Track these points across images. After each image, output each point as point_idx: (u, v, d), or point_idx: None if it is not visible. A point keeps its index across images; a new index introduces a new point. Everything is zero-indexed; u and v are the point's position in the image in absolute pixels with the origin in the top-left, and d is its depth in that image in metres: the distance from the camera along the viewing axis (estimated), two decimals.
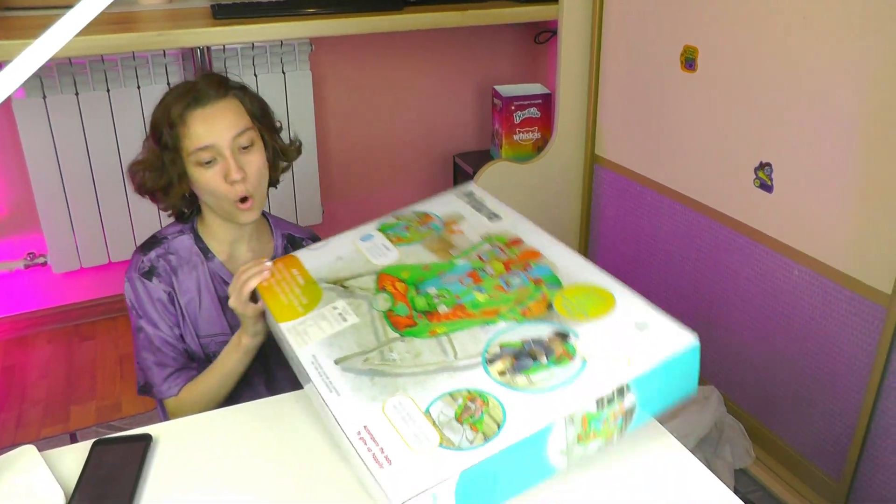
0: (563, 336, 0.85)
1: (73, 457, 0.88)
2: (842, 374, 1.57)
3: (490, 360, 0.84)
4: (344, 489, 0.84)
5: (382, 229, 1.09)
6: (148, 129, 1.19)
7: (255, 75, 2.30)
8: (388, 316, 0.93)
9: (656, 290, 2.04)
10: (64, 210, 2.19)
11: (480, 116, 2.70)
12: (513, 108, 2.41)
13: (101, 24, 1.94)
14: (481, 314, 0.91)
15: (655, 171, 1.96)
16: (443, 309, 0.92)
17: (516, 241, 1.02)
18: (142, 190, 1.22)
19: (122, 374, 2.21)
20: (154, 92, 2.15)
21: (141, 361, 1.21)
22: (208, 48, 2.15)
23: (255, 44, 2.28)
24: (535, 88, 2.48)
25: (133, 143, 2.15)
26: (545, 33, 2.57)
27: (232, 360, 1.16)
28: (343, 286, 1.00)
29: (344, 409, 0.82)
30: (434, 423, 0.78)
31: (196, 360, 1.23)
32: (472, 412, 0.78)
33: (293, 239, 1.32)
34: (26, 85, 2.06)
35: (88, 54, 2.01)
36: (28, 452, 0.87)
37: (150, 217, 2.25)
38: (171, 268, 1.21)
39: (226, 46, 2.23)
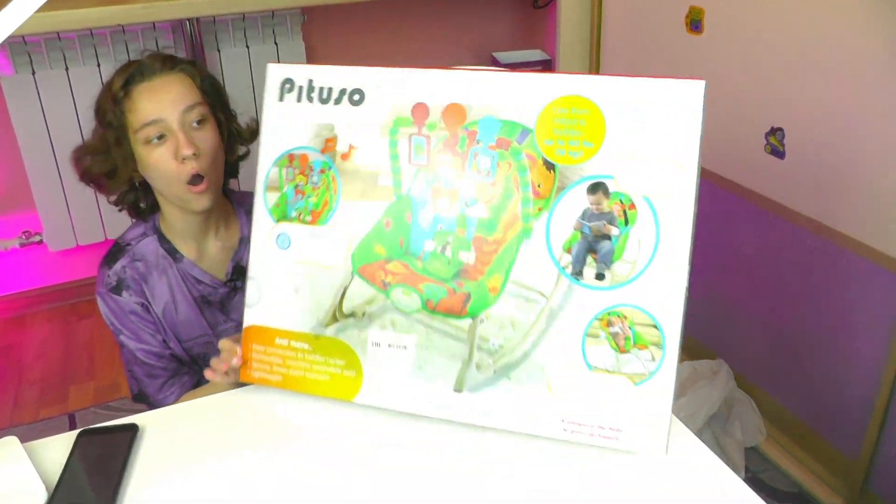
0: (600, 188, 0.79)
1: (58, 446, 0.85)
2: (859, 347, 1.51)
3: (574, 273, 0.79)
4: (335, 478, 0.81)
5: (276, 215, 0.90)
6: (94, 110, 1.11)
7: (248, 47, 2.24)
8: (435, 310, 0.84)
9: None
10: (58, 187, 2.14)
11: None
12: None
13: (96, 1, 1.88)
14: (505, 232, 0.81)
15: None
16: (467, 257, 0.83)
17: (420, 108, 0.85)
18: (86, 177, 1.13)
19: (119, 354, 2.18)
20: None
21: (132, 373, 1.16)
22: (197, 20, 2.09)
23: (247, 15, 2.21)
24: (535, 55, 2.41)
25: None
26: None
27: (219, 388, 1.03)
28: (349, 317, 0.88)
29: (525, 415, 0.81)
30: (610, 371, 0.78)
31: (185, 364, 1.17)
32: (622, 334, 0.78)
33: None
34: (15, 61, 2.01)
35: (74, 28, 1.95)
36: (10, 444, 0.84)
37: None
38: (140, 275, 1.14)
39: (216, 18, 2.17)
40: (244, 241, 1.18)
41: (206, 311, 1.17)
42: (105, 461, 0.83)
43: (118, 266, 1.12)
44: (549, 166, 0.80)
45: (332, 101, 0.88)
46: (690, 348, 1.94)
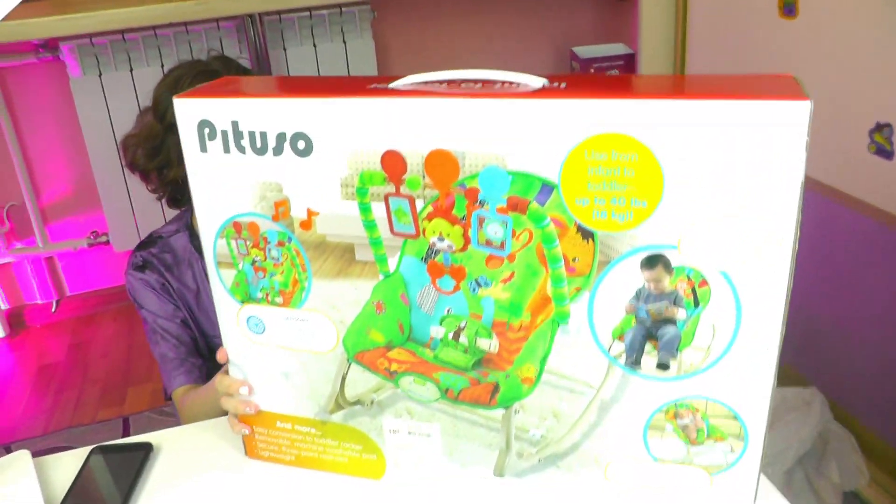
0: (659, 261, 0.60)
1: (70, 462, 0.84)
2: None
3: (630, 363, 0.64)
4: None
5: (239, 297, 0.73)
6: (151, 103, 1.08)
7: (315, 45, 2.19)
8: (457, 399, 0.70)
9: None
10: (122, 188, 2.15)
11: None
12: (592, 70, 2.17)
13: None
14: (534, 317, 0.65)
15: None
16: (488, 345, 0.67)
17: (392, 158, 0.62)
18: (133, 166, 1.13)
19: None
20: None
21: (156, 358, 1.14)
22: (261, 18, 2.05)
23: (313, 12, 2.15)
24: (617, 49, 2.24)
25: None
26: None
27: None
28: (355, 404, 0.75)
29: (579, 501, 0.70)
30: (680, 462, 0.66)
31: (202, 357, 1.14)
32: (693, 426, 0.66)
33: None
34: (83, 63, 2.03)
35: (125, 27, 1.94)
36: (20, 459, 0.84)
37: None
38: (166, 265, 1.14)
39: (282, 16, 2.12)
40: None
41: None
42: (115, 479, 0.82)
43: (146, 252, 1.15)
44: (586, 234, 0.60)
45: (269, 151, 0.65)
46: (780, 373, 1.73)
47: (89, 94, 2.06)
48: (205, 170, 0.68)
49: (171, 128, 1.02)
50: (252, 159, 0.66)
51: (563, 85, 0.60)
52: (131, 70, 2.06)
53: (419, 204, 0.64)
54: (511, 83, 0.61)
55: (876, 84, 1.33)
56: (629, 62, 2.17)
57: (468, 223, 0.62)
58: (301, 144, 0.64)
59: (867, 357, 1.53)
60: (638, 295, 0.61)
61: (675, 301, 0.61)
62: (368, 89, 0.63)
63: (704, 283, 0.59)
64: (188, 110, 0.66)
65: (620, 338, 0.63)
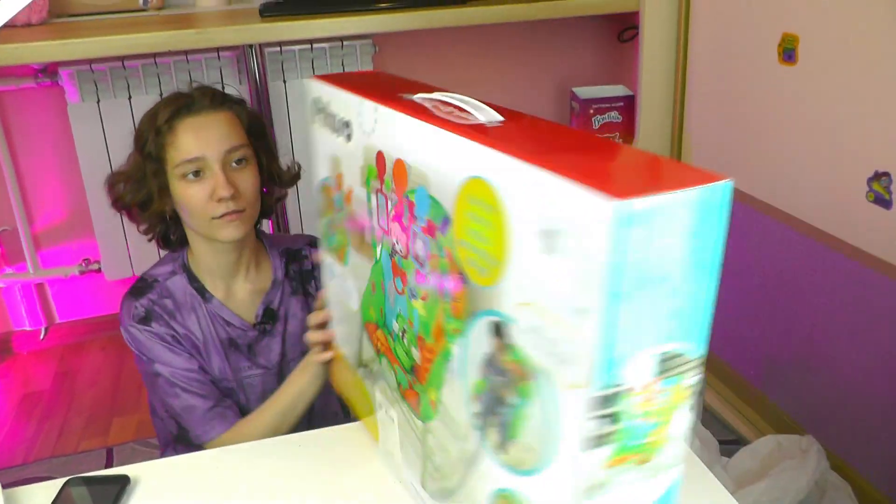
0: (501, 332, 0.52)
1: (43, 494, 0.81)
2: None
3: (480, 427, 0.58)
4: None
5: (329, 246, 0.86)
6: (134, 137, 1.09)
7: None
8: (405, 395, 0.71)
9: (747, 321, 1.76)
10: (116, 216, 2.10)
11: (559, 121, 2.48)
12: (591, 111, 2.18)
13: (153, 23, 1.88)
14: (436, 341, 0.62)
15: (748, 182, 1.68)
16: (416, 355, 0.67)
17: (380, 159, 0.67)
18: (119, 204, 1.11)
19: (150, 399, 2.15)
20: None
21: (169, 411, 1.08)
22: (261, 48, 2.05)
23: (314, 45, 2.16)
24: (617, 90, 2.25)
25: None
26: (630, 30, 2.33)
27: (300, 382, 1.03)
28: (364, 366, 0.82)
29: None
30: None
31: (226, 397, 1.11)
32: None
33: (291, 253, 1.19)
34: (82, 88, 2.03)
35: (125, 53, 1.94)
36: None
37: None
38: (168, 312, 1.09)
39: (283, 47, 2.13)
40: (276, 285, 1.15)
41: (231, 355, 1.11)
42: None
43: (145, 300, 1.09)
44: (463, 279, 0.56)
45: (335, 131, 0.75)
46: (776, 420, 1.70)
47: (87, 120, 2.05)
48: (313, 136, 0.81)
49: (149, 158, 1.04)
50: (328, 135, 0.77)
51: (498, 123, 0.57)
52: (130, 97, 2.06)
53: (389, 205, 0.67)
54: (470, 114, 0.59)
55: (875, 132, 1.33)
56: (629, 104, 2.18)
57: (408, 233, 0.64)
58: (347, 131, 0.72)
59: (865, 407, 1.51)
60: (488, 360, 0.55)
61: (510, 384, 0.53)
62: (396, 96, 0.67)
63: (525, 377, 0.50)
64: (313, 88, 0.78)
65: (478, 398, 0.57)
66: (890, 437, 1.46)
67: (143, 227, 1.12)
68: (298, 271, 1.17)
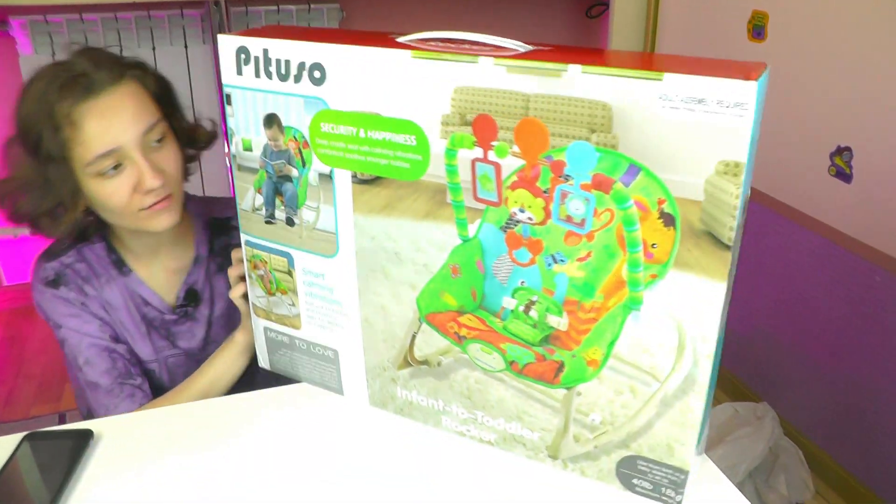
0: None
1: (2, 448, 0.77)
2: None
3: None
4: (297, 493, 0.72)
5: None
6: (17, 132, 0.89)
7: None
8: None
9: None
10: None
11: None
12: None
13: None
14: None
15: None
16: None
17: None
18: (17, 217, 0.92)
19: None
20: (171, 55, 2.02)
21: (78, 383, 0.97)
22: (227, 7, 2.00)
23: (281, 6, 2.12)
24: None
25: None
26: (598, 6, 2.35)
27: (223, 359, 0.94)
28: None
29: None
30: None
31: (138, 377, 0.98)
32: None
33: (217, 224, 1.06)
34: (35, 40, 1.94)
35: (84, 2, 1.86)
36: None
37: None
38: (82, 277, 0.96)
39: (248, 8, 2.08)
40: (200, 262, 1.03)
41: (153, 334, 1.01)
42: (48, 468, 0.74)
43: (57, 262, 0.96)
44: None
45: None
46: (733, 388, 1.75)
47: None
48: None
49: (49, 159, 0.86)
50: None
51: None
52: None
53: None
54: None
55: (838, 107, 1.37)
56: None
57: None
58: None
59: (817, 376, 1.56)
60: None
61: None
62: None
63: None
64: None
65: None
66: (840, 407, 1.52)
67: (50, 235, 0.94)
68: (226, 245, 1.04)
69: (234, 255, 0.90)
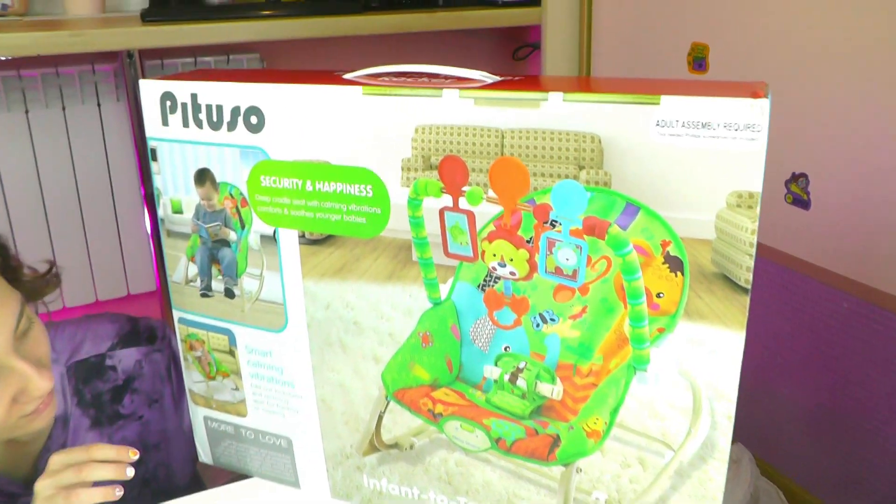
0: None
1: None
2: None
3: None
4: None
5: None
6: None
7: None
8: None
9: None
10: None
11: None
12: None
13: (16, 27, 1.67)
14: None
15: None
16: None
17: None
18: None
19: None
20: (83, 113, 1.88)
21: None
22: (141, 61, 1.87)
23: (199, 59, 2.01)
24: None
25: (55, 171, 1.89)
26: (525, 48, 2.32)
27: None
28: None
29: None
30: None
31: None
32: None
33: (83, 368, 0.80)
34: None
35: None
36: None
37: (77, 255, 1.94)
38: None
39: (164, 61, 1.96)
40: (62, 423, 0.78)
41: None
42: None
43: None
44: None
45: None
46: None
47: None
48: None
49: None
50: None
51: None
52: None
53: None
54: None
55: (790, 135, 1.35)
56: None
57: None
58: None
59: (792, 411, 1.52)
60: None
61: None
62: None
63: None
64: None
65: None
66: (818, 443, 1.47)
67: None
68: (97, 392, 0.80)
69: (53, 460, 0.65)
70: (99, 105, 1.91)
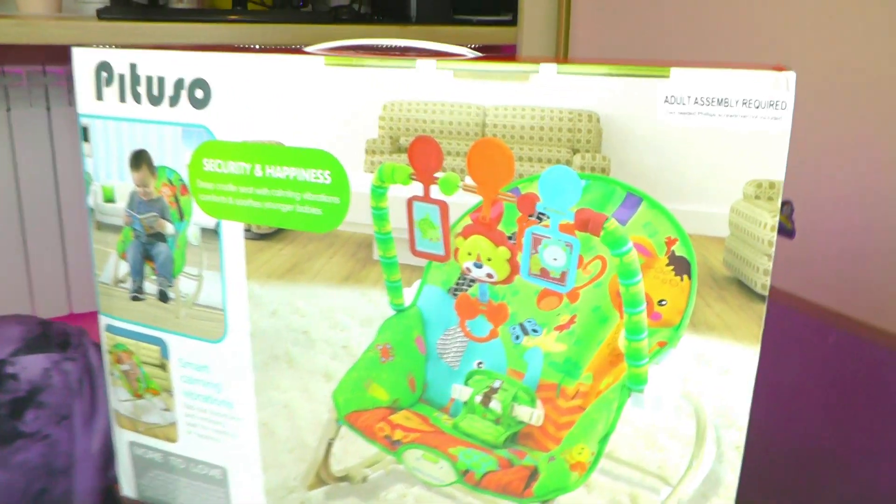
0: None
1: None
2: None
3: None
4: None
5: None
6: None
7: None
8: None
9: None
10: None
11: None
12: None
13: None
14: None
15: None
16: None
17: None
18: None
19: None
20: (30, 118, 1.77)
21: None
22: None
23: None
24: None
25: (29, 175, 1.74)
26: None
27: None
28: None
29: None
30: None
31: None
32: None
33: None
34: None
35: None
36: None
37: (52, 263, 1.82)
38: None
39: None
40: None
41: None
42: None
43: None
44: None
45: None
46: None
47: None
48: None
49: None
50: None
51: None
52: None
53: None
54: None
55: None
56: None
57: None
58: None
59: (776, 452, 1.45)
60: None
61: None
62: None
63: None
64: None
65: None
66: (805, 488, 1.41)
67: None
68: None
69: None
70: (49, 109, 1.82)
